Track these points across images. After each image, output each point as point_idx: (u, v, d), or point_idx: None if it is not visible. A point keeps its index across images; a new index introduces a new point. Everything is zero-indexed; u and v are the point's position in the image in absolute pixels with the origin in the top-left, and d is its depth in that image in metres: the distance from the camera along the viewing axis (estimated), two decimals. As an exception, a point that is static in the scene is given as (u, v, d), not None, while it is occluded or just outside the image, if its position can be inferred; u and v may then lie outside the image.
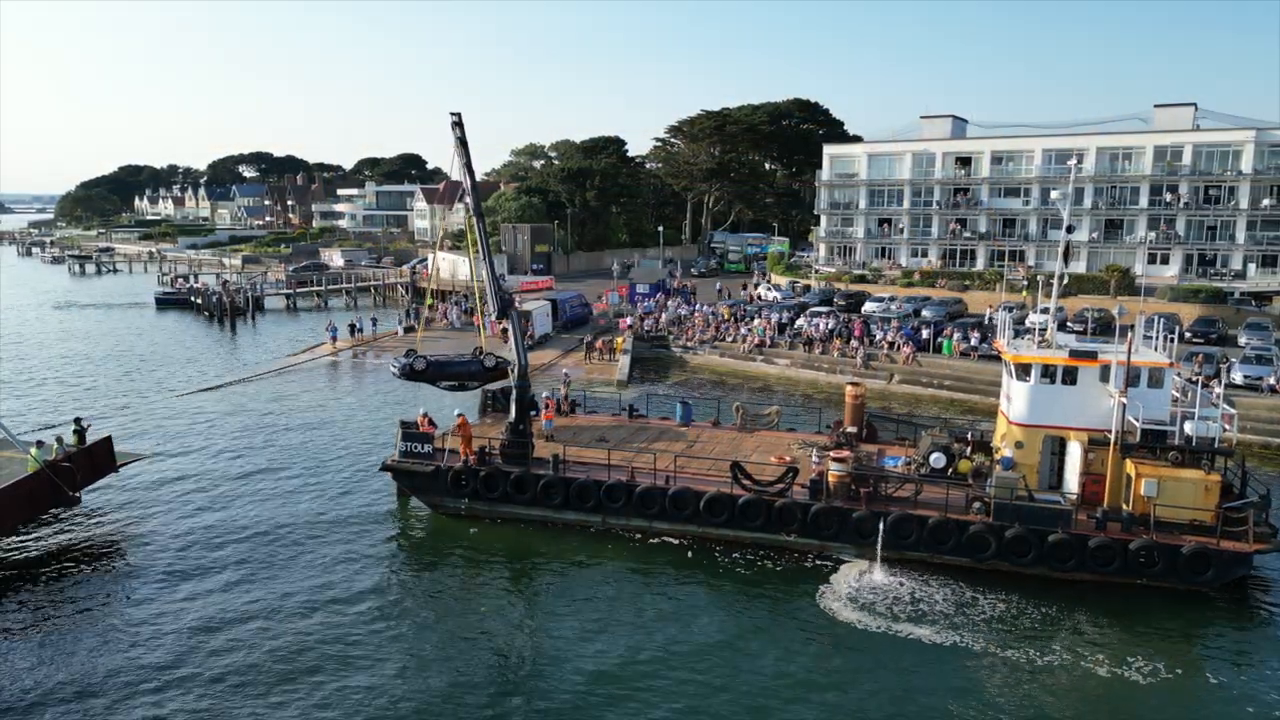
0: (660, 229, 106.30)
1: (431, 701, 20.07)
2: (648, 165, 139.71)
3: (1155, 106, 74.32)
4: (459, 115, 30.66)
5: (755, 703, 20.11)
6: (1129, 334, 27.68)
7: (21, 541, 28.42)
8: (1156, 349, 28.97)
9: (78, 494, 29.26)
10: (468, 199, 32.11)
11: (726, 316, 61.39)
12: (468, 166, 31.38)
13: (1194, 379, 38.50)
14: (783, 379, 52.70)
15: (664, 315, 63.35)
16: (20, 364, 57.97)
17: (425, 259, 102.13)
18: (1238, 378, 42.67)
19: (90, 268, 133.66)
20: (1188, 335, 51.94)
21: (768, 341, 55.92)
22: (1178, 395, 28.15)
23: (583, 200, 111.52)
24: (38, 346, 64.95)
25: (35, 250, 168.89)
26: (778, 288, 79.68)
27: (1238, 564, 24.78)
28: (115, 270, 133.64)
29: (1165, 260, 70.80)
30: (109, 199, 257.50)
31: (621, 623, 23.55)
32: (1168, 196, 70.61)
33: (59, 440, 29.60)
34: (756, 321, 58.89)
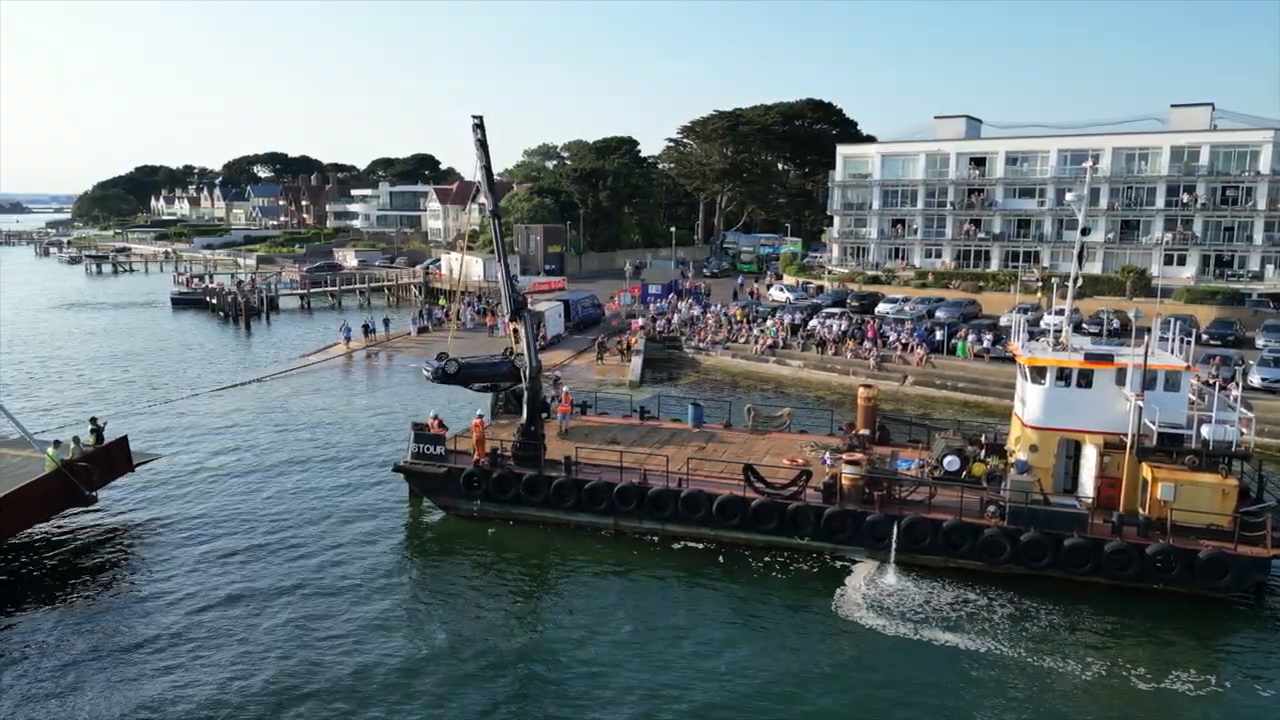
0: (672, 229, 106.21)
1: (443, 700, 20.11)
2: (660, 165, 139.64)
3: (1172, 106, 73.64)
4: (480, 118, 30.77)
5: (768, 706, 20.06)
6: (1145, 336, 27.47)
7: (38, 541, 28.66)
8: (1173, 351, 28.71)
9: (94, 493, 29.45)
10: (482, 199, 32.21)
11: (739, 317, 61.29)
12: (486, 169, 31.46)
13: (1211, 382, 38.21)
14: (795, 380, 52.55)
15: (676, 316, 63.31)
16: (37, 364, 58.44)
17: (439, 259, 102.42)
18: (1255, 380, 42.26)
19: (107, 268, 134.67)
20: (1205, 337, 51.47)
21: (780, 343, 55.79)
22: (1194, 398, 27.94)
23: (595, 201, 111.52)
24: (55, 346, 65.48)
25: (52, 250, 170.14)
26: (789, 288, 79.48)
27: (1255, 569, 24.52)
28: (131, 270, 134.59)
29: (1182, 261, 70.19)
30: (125, 199, 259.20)
31: (635, 624, 23.53)
32: (1185, 197, 70.00)
33: (76, 440, 29.77)
34: (769, 323, 58.77)
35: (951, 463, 28.57)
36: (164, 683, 20.82)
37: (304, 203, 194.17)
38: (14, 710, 19.79)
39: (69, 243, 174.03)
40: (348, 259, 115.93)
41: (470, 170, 31.87)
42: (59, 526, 29.73)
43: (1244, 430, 26.07)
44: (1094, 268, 70.15)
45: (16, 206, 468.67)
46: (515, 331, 32.41)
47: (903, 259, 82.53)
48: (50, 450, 28.46)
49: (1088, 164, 32.17)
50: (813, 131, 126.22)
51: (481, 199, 32.44)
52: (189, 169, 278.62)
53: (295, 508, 31.70)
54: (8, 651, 22.13)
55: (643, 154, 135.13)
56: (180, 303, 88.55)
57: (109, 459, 30.38)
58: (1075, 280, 30.60)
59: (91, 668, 21.41)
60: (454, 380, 33.52)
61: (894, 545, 26.22)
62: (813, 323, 58.26)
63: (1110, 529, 25.40)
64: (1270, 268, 67.20)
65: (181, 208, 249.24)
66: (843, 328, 56.08)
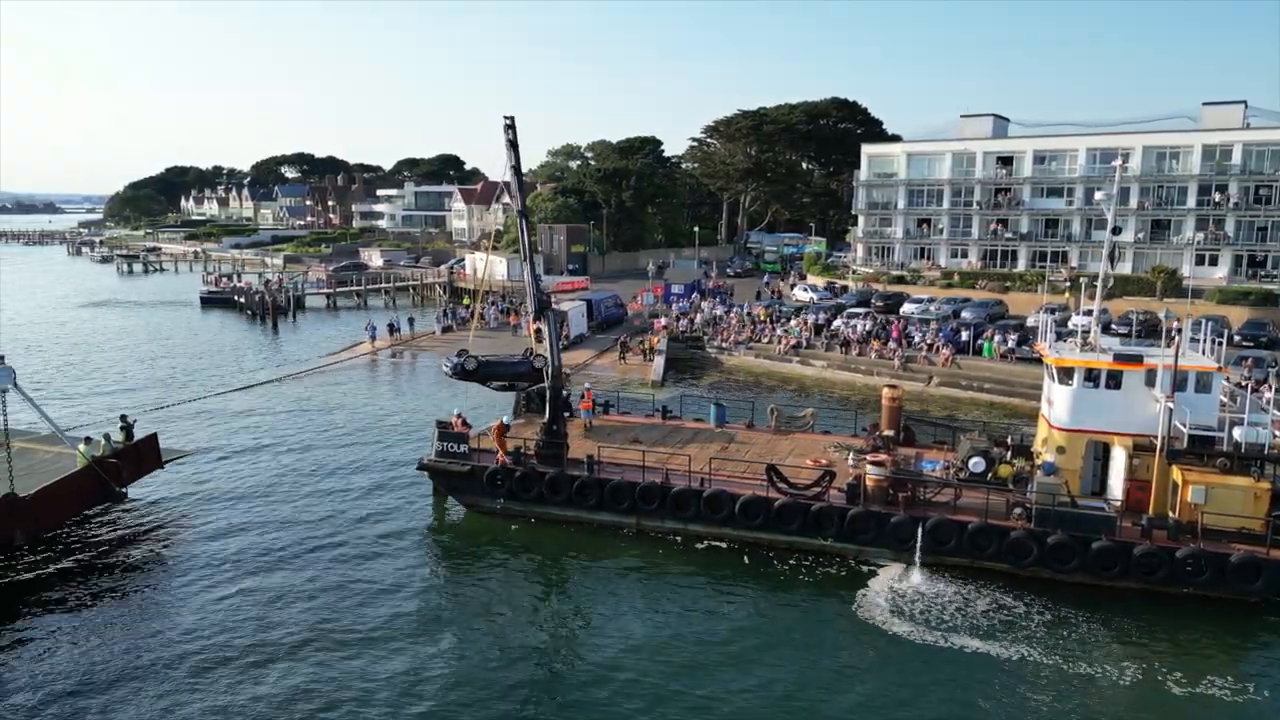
0: (696, 229, 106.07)
1: (464, 696, 20.20)
2: (684, 165, 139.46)
3: (1204, 105, 72.62)
4: (512, 119, 30.94)
5: (790, 711, 19.97)
6: (1176, 337, 27.07)
7: (70, 536, 29.10)
8: (1204, 352, 28.26)
9: (124, 490, 29.92)
10: (508, 198, 32.41)
11: (763, 317, 61.09)
12: (516, 169, 31.62)
13: (1243, 384, 37.63)
14: (819, 381, 52.32)
15: (699, 316, 63.21)
16: (69, 361, 59.35)
17: (463, 259, 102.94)
18: (1289, 382, 41.53)
19: (137, 267, 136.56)
20: (1237, 339, 50.76)
21: (804, 343, 55.56)
22: (1226, 400, 27.51)
23: (618, 200, 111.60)
24: (85, 344, 66.43)
25: (84, 250, 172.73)
26: (814, 288, 79.13)
27: (1289, 574, 24.12)
28: (161, 269, 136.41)
29: (1214, 261, 69.15)
30: (156, 199, 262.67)
31: (656, 624, 23.51)
32: (1216, 196, 68.98)
33: (106, 437, 30.23)
34: (793, 323, 58.54)
35: (977, 464, 28.31)
36: (185, 679, 21.04)
37: (330, 203, 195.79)
38: (46, 688, 20.12)
39: (101, 242, 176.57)
40: (373, 259, 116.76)
41: (496, 170, 32.22)
42: (91, 522, 30.17)
43: (1276, 433, 25.66)
44: (1124, 268, 69.28)
45: (50, 207, 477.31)
46: (538, 331, 32.53)
47: (928, 259, 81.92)
48: (81, 447, 28.92)
49: (1117, 163, 31.78)
50: (837, 130, 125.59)
51: (507, 199, 32.60)
52: (218, 170, 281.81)
53: (320, 504, 31.98)
54: (43, 641, 22.49)
55: (666, 154, 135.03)
56: (209, 302, 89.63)
57: (139, 456, 30.83)
58: (1104, 280, 30.21)
59: (115, 661, 21.67)
60: (472, 377, 33.75)
61: (919, 547, 26.02)
62: (837, 323, 57.99)
63: (1139, 532, 25.07)
64: (1305, 268, 66.06)
65: (210, 208, 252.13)
66: (867, 328, 55.78)
